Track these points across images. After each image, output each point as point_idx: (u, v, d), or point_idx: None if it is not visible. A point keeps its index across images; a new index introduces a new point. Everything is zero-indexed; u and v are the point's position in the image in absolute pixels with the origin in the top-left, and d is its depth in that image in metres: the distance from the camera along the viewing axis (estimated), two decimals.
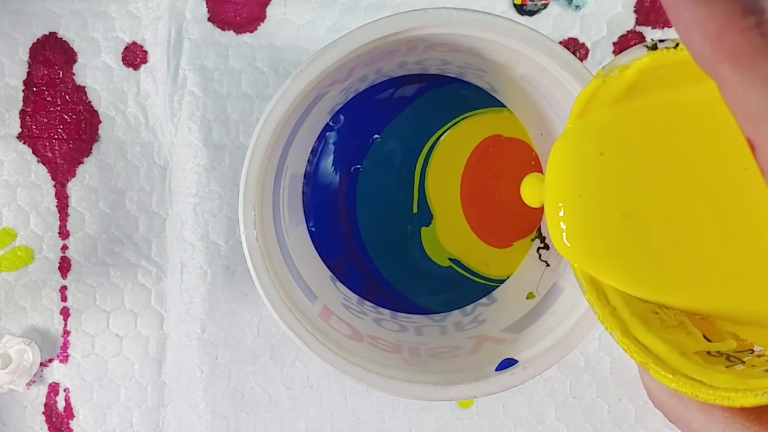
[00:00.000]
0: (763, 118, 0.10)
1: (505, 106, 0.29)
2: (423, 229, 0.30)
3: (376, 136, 0.29)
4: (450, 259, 0.30)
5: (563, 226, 0.17)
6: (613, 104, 0.16)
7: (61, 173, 0.32)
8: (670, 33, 0.31)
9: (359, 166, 0.29)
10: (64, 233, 0.32)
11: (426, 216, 0.30)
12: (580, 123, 0.17)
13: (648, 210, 0.16)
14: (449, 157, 0.30)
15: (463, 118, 0.29)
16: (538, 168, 0.29)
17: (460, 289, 0.30)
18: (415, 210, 0.30)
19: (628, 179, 0.16)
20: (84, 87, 0.32)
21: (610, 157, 0.16)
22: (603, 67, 0.16)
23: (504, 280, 0.30)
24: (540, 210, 0.30)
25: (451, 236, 0.30)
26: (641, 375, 0.16)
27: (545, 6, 0.31)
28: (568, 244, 0.17)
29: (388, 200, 0.30)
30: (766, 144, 0.10)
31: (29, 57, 0.32)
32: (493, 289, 0.30)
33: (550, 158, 0.17)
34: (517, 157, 0.30)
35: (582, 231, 0.17)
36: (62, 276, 0.32)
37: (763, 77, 0.10)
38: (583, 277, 0.17)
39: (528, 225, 0.30)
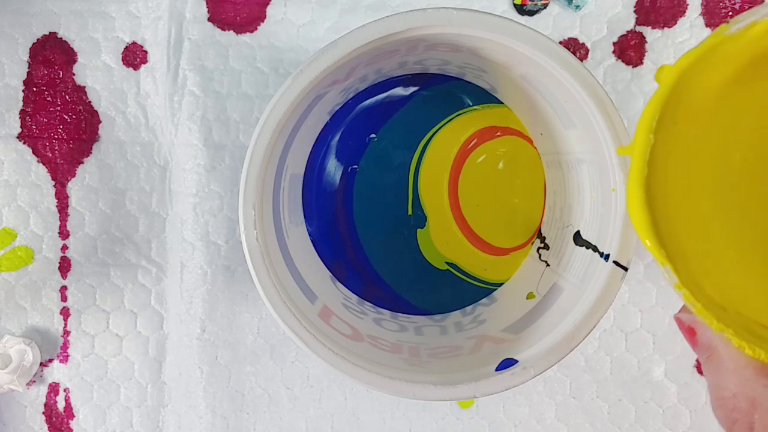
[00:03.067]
0: None
1: (503, 103, 0.29)
2: (418, 231, 0.30)
3: (373, 135, 0.29)
4: (447, 262, 0.30)
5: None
6: (727, 77, 0.15)
7: (61, 173, 0.32)
8: (670, 33, 0.31)
9: (356, 166, 0.29)
10: (64, 233, 0.32)
11: (420, 218, 0.30)
12: (682, 95, 0.15)
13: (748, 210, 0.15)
14: (440, 155, 0.30)
15: (457, 115, 0.29)
16: (536, 163, 0.29)
17: (459, 291, 0.30)
18: (409, 212, 0.30)
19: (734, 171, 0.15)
20: (84, 87, 0.32)
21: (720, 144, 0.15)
22: (728, 22, 0.14)
23: (503, 284, 0.30)
24: (537, 217, 0.30)
25: (444, 240, 0.30)
26: (711, 372, 0.16)
27: (545, 6, 0.31)
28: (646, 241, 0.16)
29: (384, 201, 0.30)
30: None
31: (29, 57, 0.32)
32: (493, 290, 0.30)
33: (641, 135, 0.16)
34: (514, 153, 0.29)
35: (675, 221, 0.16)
36: (62, 276, 0.32)
37: None
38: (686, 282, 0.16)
39: (524, 235, 0.30)
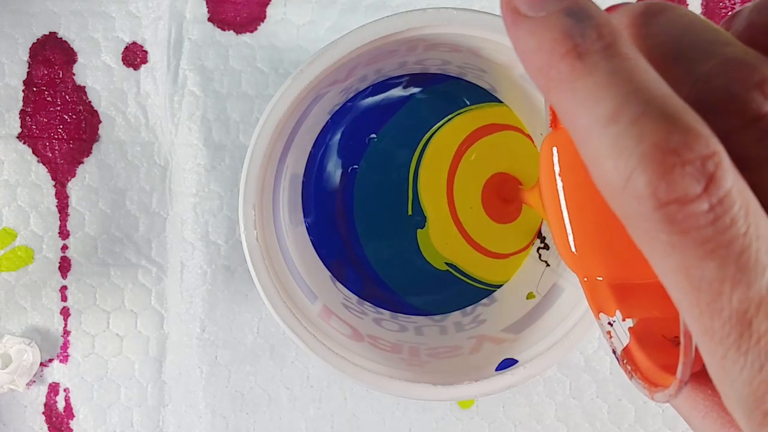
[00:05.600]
0: (589, 137, 0.11)
1: (503, 103, 0.29)
2: (418, 231, 0.30)
3: (373, 135, 0.29)
4: (447, 263, 0.30)
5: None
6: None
7: (61, 173, 0.32)
8: None
9: (356, 166, 0.29)
10: (64, 233, 0.32)
11: (420, 218, 0.30)
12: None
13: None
14: (439, 154, 0.30)
15: (457, 114, 0.29)
16: (536, 163, 0.29)
17: (459, 292, 0.30)
18: (409, 212, 0.30)
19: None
20: (84, 87, 0.32)
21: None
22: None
23: (503, 284, 0.30)
24: (537, 218, 0.30)
25: (444, 240, 0.30)
26: None
27: None
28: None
29: (384, 201, 0.30)
30: (592, 164, 0.11)
31: (29, 57, 0.32)
32: (493, 291, 0.30)
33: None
34: (514, 152, 0.29)
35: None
36: (62, 276, 0.32)
37: (585, 99, 0.11)
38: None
39: (524, 237, 0.30)
